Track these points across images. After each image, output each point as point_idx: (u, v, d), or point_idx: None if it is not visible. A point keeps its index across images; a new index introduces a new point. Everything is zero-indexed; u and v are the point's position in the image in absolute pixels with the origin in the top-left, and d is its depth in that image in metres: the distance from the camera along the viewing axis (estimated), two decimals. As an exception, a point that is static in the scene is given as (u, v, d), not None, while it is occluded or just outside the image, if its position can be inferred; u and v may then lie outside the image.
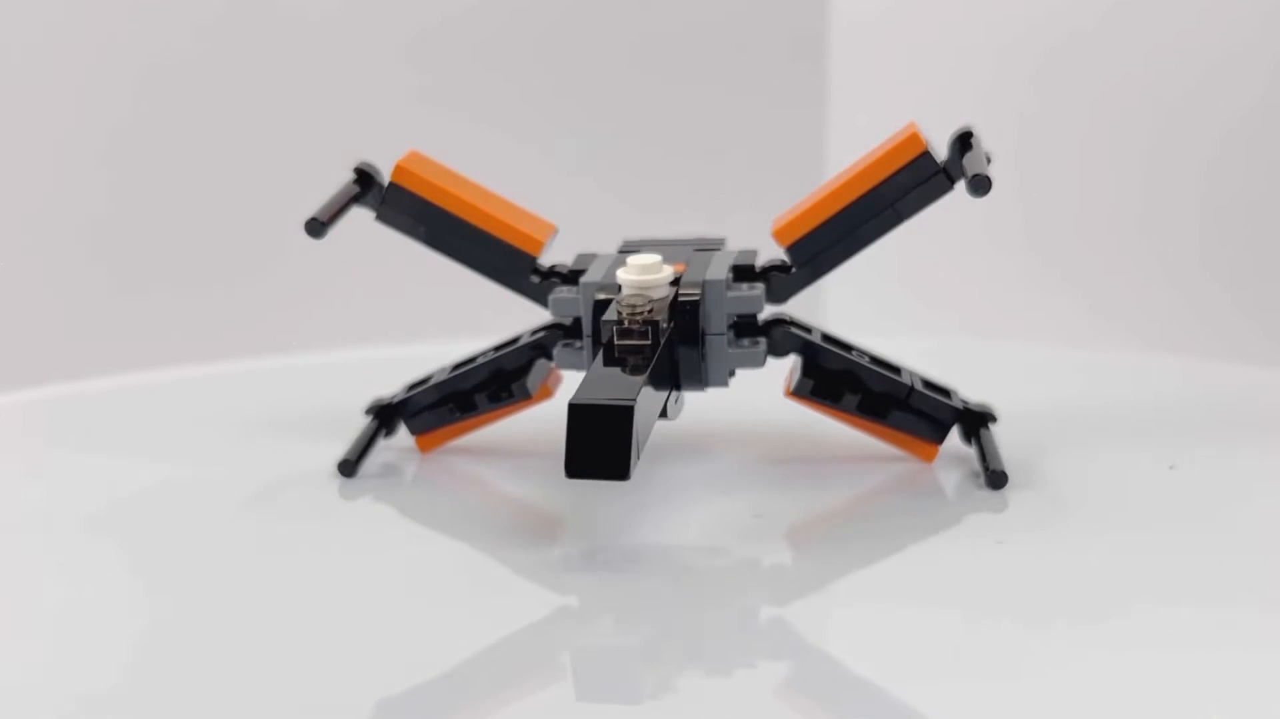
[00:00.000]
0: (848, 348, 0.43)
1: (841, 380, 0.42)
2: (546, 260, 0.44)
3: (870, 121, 0.99)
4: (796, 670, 0.32)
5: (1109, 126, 0.87)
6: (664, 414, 0.40)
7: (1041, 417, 0.47)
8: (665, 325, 0.39)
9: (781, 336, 0.42)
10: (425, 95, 0.91)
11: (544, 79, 0.92)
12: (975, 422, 0.43)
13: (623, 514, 0.41)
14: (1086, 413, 0.49)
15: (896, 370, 0.43)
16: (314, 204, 0.41)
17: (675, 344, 0.40)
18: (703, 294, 0.40)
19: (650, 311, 0.38)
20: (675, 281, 0.40)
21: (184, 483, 0.44)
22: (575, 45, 0.93)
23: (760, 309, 0.41)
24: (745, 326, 0.42)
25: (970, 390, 0.44)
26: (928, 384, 0.43)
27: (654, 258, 0.40)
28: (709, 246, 0.44)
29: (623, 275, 0.39)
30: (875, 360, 0.43)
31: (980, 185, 0.37)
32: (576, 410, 0.34)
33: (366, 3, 0.91)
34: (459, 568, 0.38)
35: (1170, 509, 0.40)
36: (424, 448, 0.46)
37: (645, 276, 0.40)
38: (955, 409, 0.43)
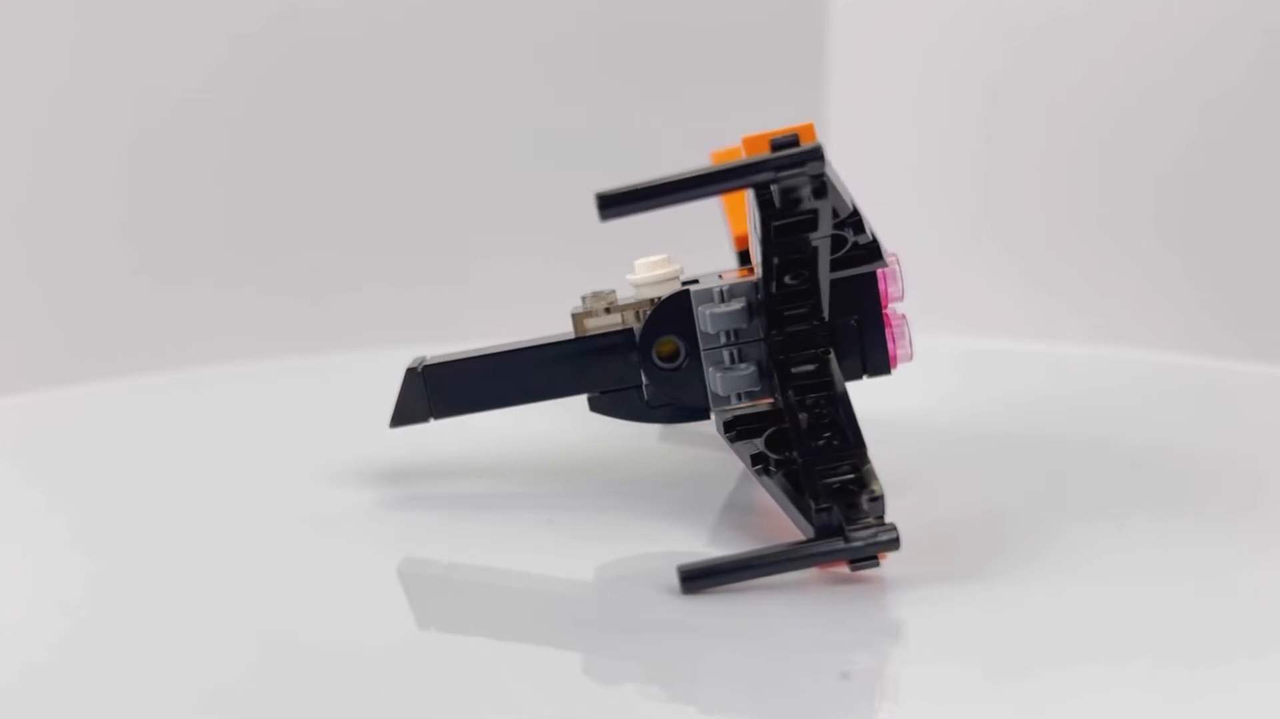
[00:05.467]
0: (824, 400, 0.36)
1: (770, 430, 0.38)
2: None
3: (871, 121, 1.02)
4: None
5: (1082, 121, 0.87)
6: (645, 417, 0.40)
7: (1013, 413, 0.46)
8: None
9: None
10: (425, 92, 0.90)
11: (542, 79, 0.92)
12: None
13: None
14: (1058, 409, 0.49)
15: (835, 449, 0.34)
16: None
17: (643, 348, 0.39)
18: (664, 303, 0.39)
19: (610, 309, 0.39)
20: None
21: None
22: (574, 45, 0.93)
23: (709, 328, 0.38)
24: (747, 349, 0.39)
25: (950, 386, 0.41)
26: (848, 477, 0.34)
27: (660, 257, 0.40)
28: None
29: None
30: (830, 425, 0.35)
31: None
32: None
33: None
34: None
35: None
36: None
37: (637, 275, 0.40)
38: (813, 510, 0.33)
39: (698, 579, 0.32)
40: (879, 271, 0.39)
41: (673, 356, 0.39)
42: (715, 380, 0.38)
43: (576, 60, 0.92)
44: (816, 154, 0.32)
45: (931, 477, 0.43)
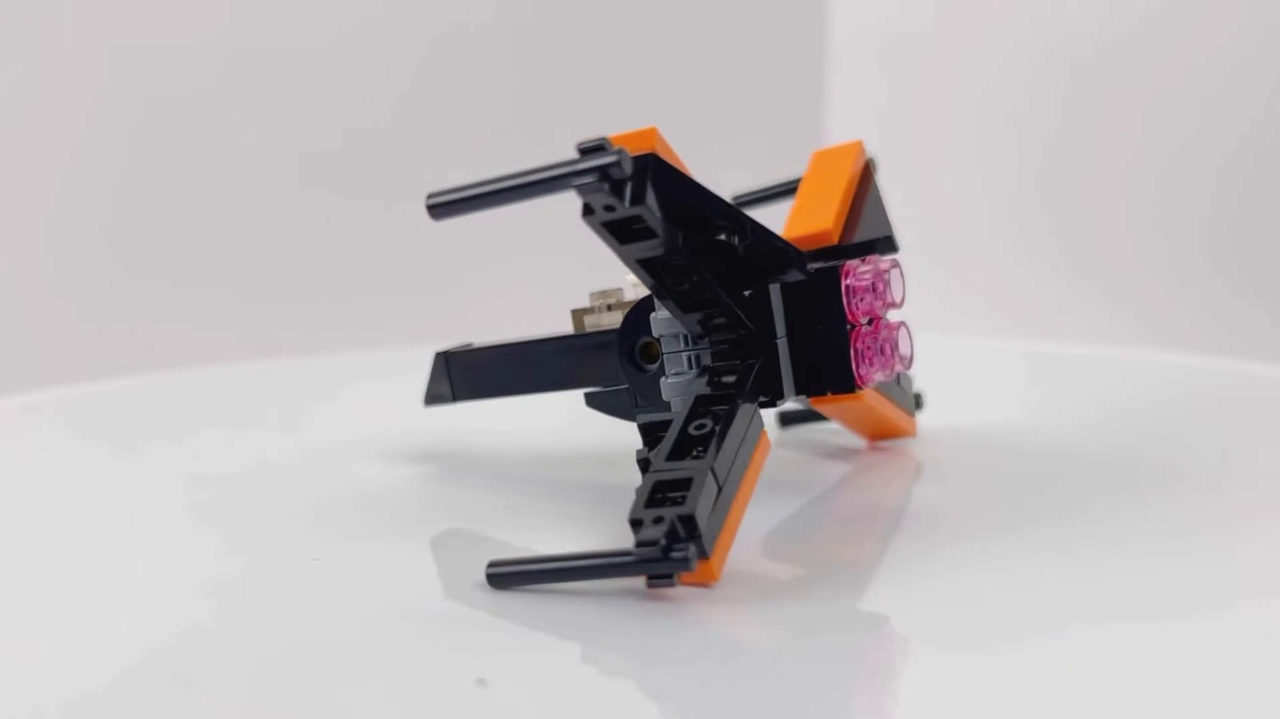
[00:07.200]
0: (713, 417, 0.34)
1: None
2: None
3: (870, 121, 0.93)
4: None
5: (1121, 128, 0.89)
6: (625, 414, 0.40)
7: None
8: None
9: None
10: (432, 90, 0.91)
11: (542, 80, 0.92)
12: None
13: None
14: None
15: (678, 466, 0.32)
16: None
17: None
18: (637, 306, 0.38)
19: (613, 307, 0.39)
20: None
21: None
22: (575, 46, 0.92)
23: (653, 332, 0.37)
24: (704, 355, 0.37)
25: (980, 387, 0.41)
26: (678, 495, 0.32)
27: None
28: None
29: None
30: (692, 443, 0.33)
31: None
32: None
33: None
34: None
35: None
36: None
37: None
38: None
39: (501, 577, 0.33)
40: (843, 282, 0.36)
41: (656, 358, 0.39)
42: (663, 384, 0.37)
43: (582, 66, 0.93)
44: (614, 161, 0.31)
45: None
